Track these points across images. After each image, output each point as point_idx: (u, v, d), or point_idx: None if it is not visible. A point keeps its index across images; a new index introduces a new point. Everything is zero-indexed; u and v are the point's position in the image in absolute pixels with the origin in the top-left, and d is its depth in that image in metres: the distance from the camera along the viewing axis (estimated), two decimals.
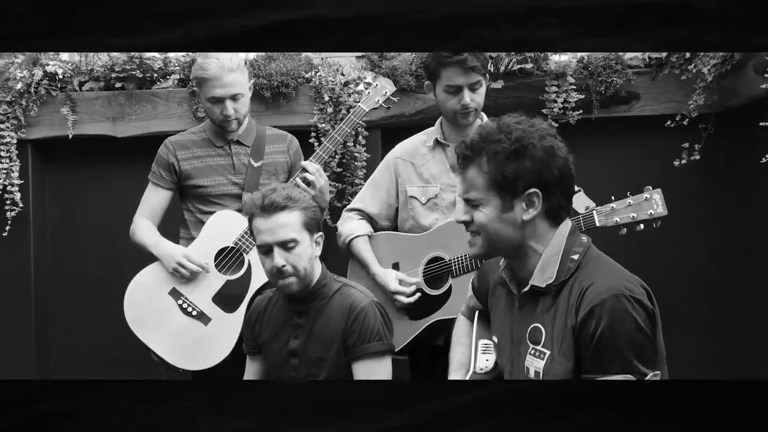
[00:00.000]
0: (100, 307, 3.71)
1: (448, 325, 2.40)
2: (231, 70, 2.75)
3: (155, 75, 3.56)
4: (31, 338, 3.69)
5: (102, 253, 3.72)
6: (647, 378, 1.59)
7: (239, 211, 2.81)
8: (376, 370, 2.29)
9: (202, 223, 2.86)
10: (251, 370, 2.52)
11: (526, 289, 1.77)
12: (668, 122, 3.14)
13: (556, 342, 1.68)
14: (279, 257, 2.25)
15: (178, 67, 3.54)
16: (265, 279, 2.75)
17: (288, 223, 2.26)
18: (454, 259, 2.61)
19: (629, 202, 2.30)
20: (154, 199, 2.92)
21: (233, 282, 2.75)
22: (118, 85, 3.56)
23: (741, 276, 3.28)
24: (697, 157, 3.10)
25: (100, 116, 3.59)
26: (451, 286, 2.61)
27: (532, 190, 1.69)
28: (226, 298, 2.74)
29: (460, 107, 2.62)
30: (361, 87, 3.15)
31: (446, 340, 2.30)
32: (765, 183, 2.86)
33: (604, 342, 1.60)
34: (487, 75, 2.69)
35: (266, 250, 2.29)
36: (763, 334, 3.16)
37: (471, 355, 2.03)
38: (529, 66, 3.29)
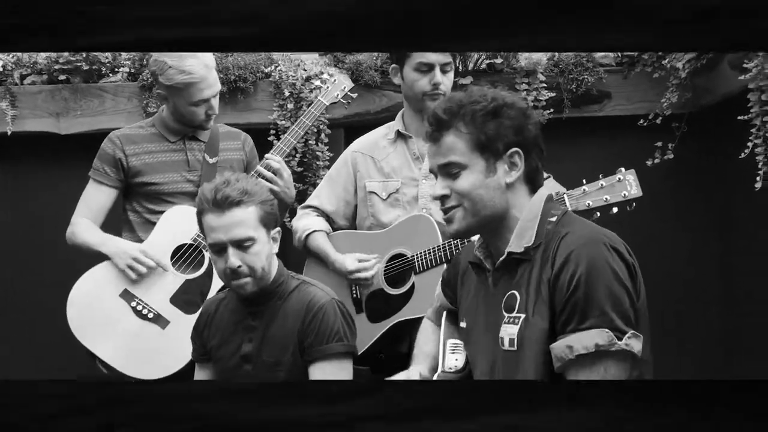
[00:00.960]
0: (37, 311, 3.45)
1: (412, 326, 2.27)
2: (212, 68, 2.61)
3: (103, 68, 3.35)
4: None
5: (40, 258, 3.46)
6: (625, 337, 1.49)
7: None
8: (334, 375, 2.09)
9: (151, 223, 2.65)
10: (201, 378, 2.31)
11: (502, 257, 1.68)
12: (641, 121, 3.08)
13: (531, 301, 1.60)
14: (234, 257, 2.05)
15: (128, 61, 3.33)
16: None
17: (244, 220, 2.05)
18: (417, 254, 2.46)
19: (602, 184, 2.21)
20: (97, 198, 2.68)
21: (193, 281, 2.56)
22: (62, 78, 3.33)
23: (718, 276, 3.23)
24: (671, 156, 3.03)
25: (42, 111, 3.35)
26: (414, 283, 2.47)
27: (514, 149, 1.64)
28: (186, 299, 2.54)
29: (431, 87, 2.53)
30: (317, 83, 3.02)
31: (410, 346, 2.13)
32: (741, 181, 2.80)
33: (580, 290, 1.52)
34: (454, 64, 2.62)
35: (219, 249, 2.08)
36: (739, 334, 3.11)
37: (438, 355, 1.90)
38: (498, 62, 3.20)
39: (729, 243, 3.17)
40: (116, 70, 3.35)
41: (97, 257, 2.61)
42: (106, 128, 3.25)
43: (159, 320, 2.51)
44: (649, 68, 3.11)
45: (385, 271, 2.54)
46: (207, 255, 2.56)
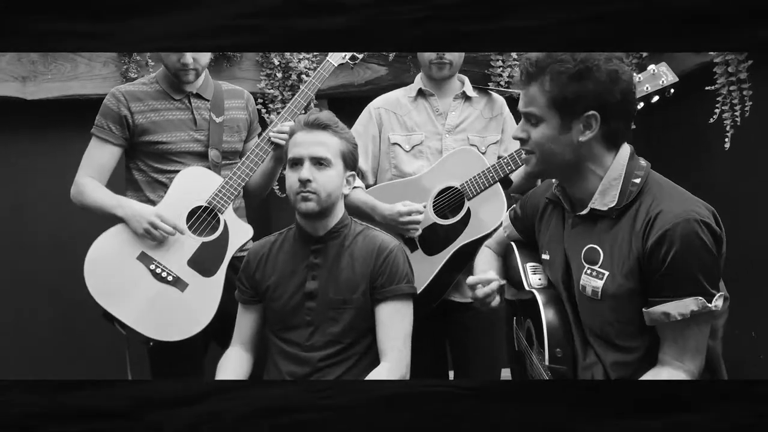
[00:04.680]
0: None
1: (471, 252, 2.37)
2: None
3: None
4: None
5: (6, 228, 3.29)
6: (713, 300, 1.63)
7: (207, 168, 2.60)
8: (401, 312, 2.19)
9: (158, 183, 2.59)
10: (247, 321, 2.31)
11: (584, 211, 1.76)
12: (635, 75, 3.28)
13: (617, 263, 1.69)
14: (307, 171, 2.13)
15: None
16: (243, 240, 2.57)
17: (326, 142, 2.16)
18: (466, 182, 2.54)
19: (639, 78, 2.29)
20: (102, 156, 2.58)
21: (209, 244, 2.52)
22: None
23: None
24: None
25: (7, 75, 3.19)
26: (468, 209, 2.54)
27: (591, 112, 1.67)
28: (203, 262, 2.49)
29: (436, 56, 2.62)
30: None
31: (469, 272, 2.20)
32: (707, 145, 3.07)
33: (677, 265, 1.61)
34: None
35: (296, 163, 2.16)
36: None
37: (520, 276, 1.99)
38: None
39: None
40: None
41: (102, 219, 2.53)
42: (78, 94, 3.17)
43: (178, 283, 2.46)
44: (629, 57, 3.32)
45: (434, 205, 2.60)
46: (222, 218, 2.54)
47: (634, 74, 2.31)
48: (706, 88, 2.92)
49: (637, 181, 1.73)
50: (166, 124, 2.60)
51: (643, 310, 1.67)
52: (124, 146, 2.61)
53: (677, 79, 2.29)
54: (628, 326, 1.70)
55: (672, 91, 2.29)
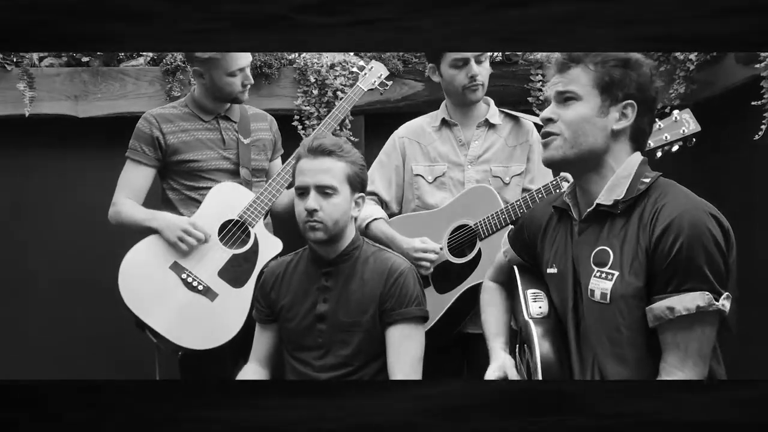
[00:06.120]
0: (50, 300, 3.43)
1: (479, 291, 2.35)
2: None
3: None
4: None
5: (58, 243, 3.44)
6: (721, 298, 1.57)
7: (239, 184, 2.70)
8: (411, 335, 2.19)
9: (191, 200, 2.70)
10: (263, 339, 2.36)
11: (590, 209, 1.74)
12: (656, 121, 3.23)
13: (626, 262, 1.65)
14: (313, 200, 2.15)
15: None
16: (272, 254, 2.64)
17: (331, 169, 2.16)
18: (480, 222, 2.54)
19: (659, 126, 2.24)
20: (137, 177, 2.70)
21: (239, 256, 2.60)
22: (82, 60, 3.33)
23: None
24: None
25: (60, 94, 3.34)
26: (480, 249, 2.54)
27: (630, 101, 1.70)
28: (233, 273, 2.57)
29: (469, 80, 2.61)
30: (355, 69, 3.09)
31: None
32: (750, 170, 2.98)
33: (682, 254, 1.57)
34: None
35: (302, 192, 2.18)
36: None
37: (521, 305, 1.94)
38: (516, 53, 3.34)
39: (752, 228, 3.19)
40: (138, 54, 3.37)
41: (132, 232, 2.64)
42: (126, 112, 3.30)
43: (208, 293, 2.55)
44: (656, 61, 3.28)
45: (449, 243, 2.61)
46: (253, 231, 2.62)
47: (656, 120, 2.27)
48: (753, 103, 2.84)
49: (647, 180, 1.71)
50: (196, 143, 2.71)
51: (647, 308, 1.62)
52: (158, 167, 2.73)
53: (699, 129, 2.23)
54: (636, 335, 1.64)
55: (694, 140, 2.23)
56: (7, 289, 3.45)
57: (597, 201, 1.73)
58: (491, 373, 1.92)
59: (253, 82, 2.73)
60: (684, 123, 2.23)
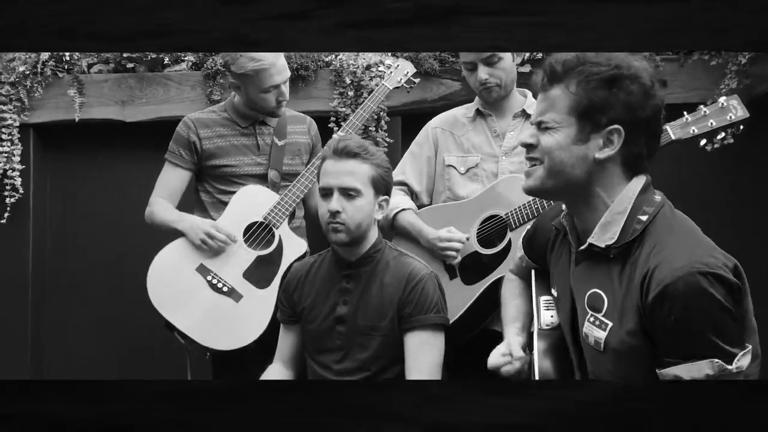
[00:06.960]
0: (101, 301, 3.56)
1: None
2: (281, 55, 2.69)
3: (168, 58, 3.45)
4: (27, 333, 3.51)
5: (106, 243, 3.57)
6: (735, 361, 1.42)
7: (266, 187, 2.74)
8: (430, 342, 2.16)
9: (222, 203, 2.74)
10: (287, 340, 2.37)
11: (583, 246, 1.59)
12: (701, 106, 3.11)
13: (620, 316, 1.52)
14: (336, 202, 2.14)
15: None
16: (296, 255, 2.66)
17: (355, 171, 2.15)
18: (511, 212, 2.47)
19: (705, 112, 2.12)
20: (173, 179, 2.78)
21: (264, 257, 2.63)
22: (129, 66, 3.44)
23: None
24: (731, 141, 3.00)
25: (108, 99, 3.46)
26: (510, 240, 2.46)
27: (615, 126, 1.50)
28: (258, 274, 2.61)
29: (479, 84, 2.57)
30: (382, 68, 3.08)
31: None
32: None
33: (681, 327, 1.42)
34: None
35: (326, 194, 2.18)
36: None
37: (533, 311, 1.88)
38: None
39: None
40: (181, 59, 3.45)
41: (173, 234, 2.70)
42: (170, 116, 3.38)
43: (233, 294, 2.59)
44: (706, 56, 3.15)
45: (478, 233, 2.55)
46: (277, 233, 2.65)
47: (701, 106, 2.17)
48: None
49: (644, 218, 1.53)
50: (231, 148, 2.76)
51: (657, 371, 1.48)
52: (194, 170, 2.79)
53: (747, 115, 2.09)
54: (634, 375, 1.53)
55: (741, 127, 2.11)
56: (60, 291, 3.59)
57: (590, 240, 1.58)
58: (495, 357, 1.81)
59: (288, 99, 2.74)
60: (731, 109, 2.12)
